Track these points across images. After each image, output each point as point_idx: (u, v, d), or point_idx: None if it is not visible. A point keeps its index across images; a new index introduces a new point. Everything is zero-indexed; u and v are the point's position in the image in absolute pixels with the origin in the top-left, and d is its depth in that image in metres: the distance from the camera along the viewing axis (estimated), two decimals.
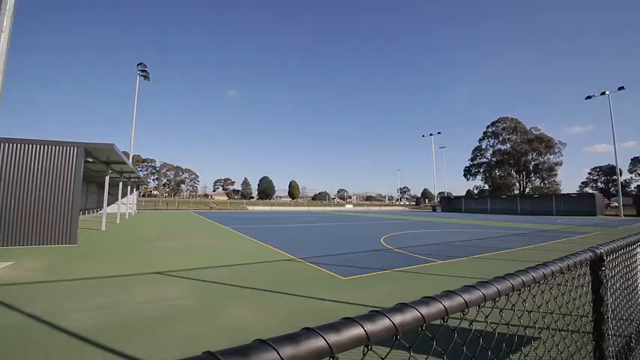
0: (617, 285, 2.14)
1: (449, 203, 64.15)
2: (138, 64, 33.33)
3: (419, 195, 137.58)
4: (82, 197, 23.70)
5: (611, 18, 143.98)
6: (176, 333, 3.79)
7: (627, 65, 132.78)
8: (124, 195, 25.30)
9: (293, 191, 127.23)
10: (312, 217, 30.85)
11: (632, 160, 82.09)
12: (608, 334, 1.77)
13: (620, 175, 55.15)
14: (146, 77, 34.01)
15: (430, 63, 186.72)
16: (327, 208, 68.41)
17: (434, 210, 65.85)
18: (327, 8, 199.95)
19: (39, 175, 10.29)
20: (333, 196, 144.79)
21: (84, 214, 25.00)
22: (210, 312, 4.51)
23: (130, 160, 29.47)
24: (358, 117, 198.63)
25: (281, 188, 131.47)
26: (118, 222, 19.77)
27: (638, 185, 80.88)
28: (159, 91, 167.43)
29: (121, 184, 20.87)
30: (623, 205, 42.32)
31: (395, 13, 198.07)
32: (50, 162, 10.49)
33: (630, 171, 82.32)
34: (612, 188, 78.38)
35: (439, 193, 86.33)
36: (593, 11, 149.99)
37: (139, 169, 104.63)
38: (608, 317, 1.78)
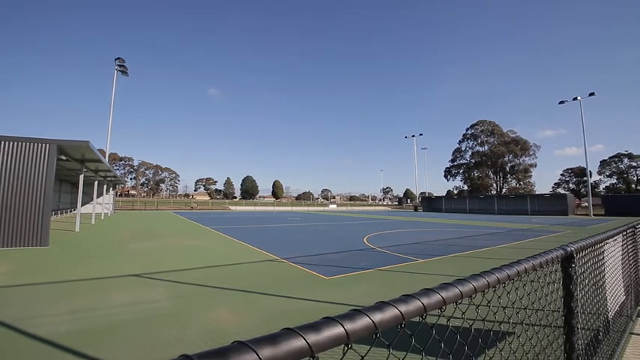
0: (586, 281, 2.24)
1: (430, 203, 65.53)
2: (116, 59, 32.16)
3: (401, 195, 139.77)
4: (55, 197, 22.70)
5: (581, 28, 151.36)
6: (154, 337, 3.69)
7: (592, 73, 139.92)
8: (100, 194, 24.40)
9: (277, 191, 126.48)
10: (295, 217, 30.76)
11: (600, 162, 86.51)
12: (578, 328, 1.86)
13: (590, 176, 58.02)
14: (124, 72, 32.89)
15: (414, 64, 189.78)
16: (311, 208, 68.39)
17: (415, 210, 67.09)
18: (310, 8, 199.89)
19: (7, 174, 9.75)
20: (317, 196, 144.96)
21: (56, 214, 23.90)
22: (190, 315, 4.41)
23: (107, 159, 28.45)
24: (342, 117, 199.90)
25: (264, 188, 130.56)
26: (93, 222, 19.03)
27: (606, 186, 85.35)
28: (137, 89, 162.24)
29: (96, 183, 20.10)
30: (593, 205, 44.53)
31: (380, 10, 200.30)
32: (20, 160, 9.96)
33: (599, 173, 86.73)
34: (583, 189, 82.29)
35: (421, 193, 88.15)
36: (564, 20, 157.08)
37: (115, 167, 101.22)
38: (577, 312, 1.87)
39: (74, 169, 17.69)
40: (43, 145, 10.34)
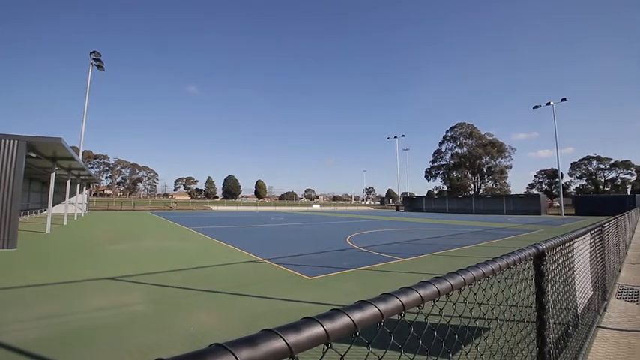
0: (557, 278, 2.35)
1: (411, 203, 66.78)
2: (91, 53, 30.86)
3: (384, 195, 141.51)
4: (24, 196, 21.53)
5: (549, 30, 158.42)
6: (131, 342, 3.57)
7: (564, 79, 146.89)
8: (73, 194, 23.37)
9: (260, 191, 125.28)
10: (278, 218, 30.57)
11: (571, 164, 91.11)
12: (549, 323, 1.94)
13: (562, 178, 60.91)
14: (100, 66, 31.64)
15: (399, 63, 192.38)
16: (294, 208, 68.17)
17: (397, 210, 68.14)
18: (294, 8, 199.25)
19: None
20: (300, 196, 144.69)
21: (25, 214, 22.72)
22: (169, 318, 4.30)
23: (80, 156, 27.29)
24: (326, 117, 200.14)
25: (247, 188, 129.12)
26: (65, 223, 18.19)
27: (576, 187, 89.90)
28: (114, 87, 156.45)
29: (69, 182, 19.22)
30: (564, 205, 46.78)
31: (361, 12, 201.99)
32: None
33: (570, 174, 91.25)
34: (554, 190, 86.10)
35: (402, 193, 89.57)
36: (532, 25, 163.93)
37: (90, 166, 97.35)
38: (549, 307, 1.95)
39: (45, 168, 16.85)
40: (11, 141, 9.79)
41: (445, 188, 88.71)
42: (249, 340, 0.51)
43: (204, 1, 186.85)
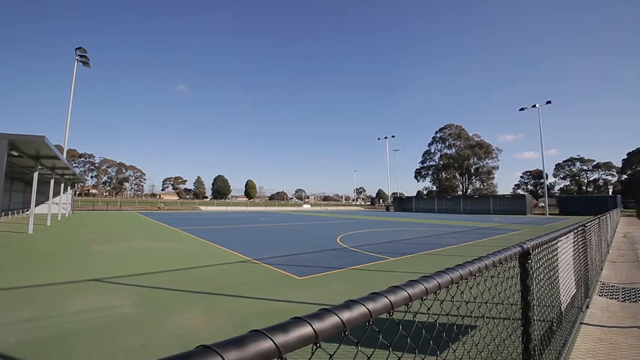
0: (542, 276, 2.40)
1: (401, 203, 67.34)
2: (76, 49, 30.10)
3: (374, 195, 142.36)
4: (5, 196, 20.88)
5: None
6: (117, 345, 3.50)
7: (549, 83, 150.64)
8: (57, 194, 22.77)
9: (250, 191, 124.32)
10: (269, 218, 30.41)
11: (555, 165, 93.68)
12: (534, 320, 1.98)
13: (547, 178, 62.43)
14: (85, 63, 30.90)
15: (389, 63, 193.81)
16: (285, 208, 67.95)
17: (387, 210, 68.63)
18: (283, 8, 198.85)
19: None
20: (290, 196, 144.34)
21: (7, 215, 22.02)
22: (156, 320, 4.23)
23: (64, 155, 26.60)
24: (316, 117, 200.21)
25: (237, 188, 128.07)
26: (48, 224, 17.71)
27: (560, 188, 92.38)
28: (100, 84, 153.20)
29: (52, 181, 18.73)
30: (549, 205, 47.94)
31: (352, 12, 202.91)
32: None
33: (554, 175, 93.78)
34: (539, 190, 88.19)
35: (392, 193, 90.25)
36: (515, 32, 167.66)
37: (74, 165, 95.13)
38: (533, 305, 1.99)
39: (28, 166, 16.38)
40: None
41: (434, 188, 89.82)
42: (237, 342, 0.51)
43: (195, 0, 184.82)
